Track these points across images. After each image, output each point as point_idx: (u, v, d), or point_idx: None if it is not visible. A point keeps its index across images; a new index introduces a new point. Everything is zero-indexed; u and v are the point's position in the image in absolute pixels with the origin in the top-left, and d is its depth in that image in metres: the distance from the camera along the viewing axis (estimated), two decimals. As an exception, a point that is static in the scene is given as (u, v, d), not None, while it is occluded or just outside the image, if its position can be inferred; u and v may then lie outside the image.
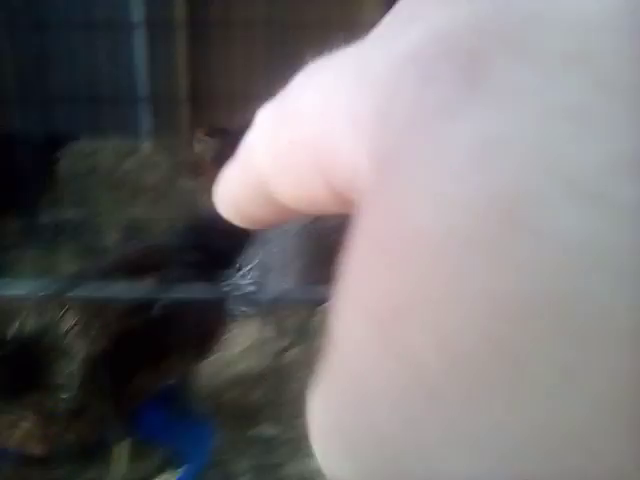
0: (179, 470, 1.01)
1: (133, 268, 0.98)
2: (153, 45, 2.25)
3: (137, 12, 2.23)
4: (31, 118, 2.08)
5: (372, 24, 0.14)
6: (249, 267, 0.98)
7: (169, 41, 2.32)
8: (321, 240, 1.14)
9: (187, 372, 1.04)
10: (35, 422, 0.85)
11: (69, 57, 2.14)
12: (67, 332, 0.85)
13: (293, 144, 0.15)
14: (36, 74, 2.26)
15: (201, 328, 1.01)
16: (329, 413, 0.13)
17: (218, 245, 1.04)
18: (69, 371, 0.84)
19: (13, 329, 0.83)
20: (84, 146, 2.36)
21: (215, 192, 0.18)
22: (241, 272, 0.98)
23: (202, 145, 2.15)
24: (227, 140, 1.99)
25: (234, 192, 0.17)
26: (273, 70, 1.98)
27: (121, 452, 1.02)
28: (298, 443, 1.11)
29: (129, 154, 2.35)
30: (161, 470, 1.08)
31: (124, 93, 2.14)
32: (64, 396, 0.83)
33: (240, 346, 1.31)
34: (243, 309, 1.06)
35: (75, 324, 0.85)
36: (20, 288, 0.60)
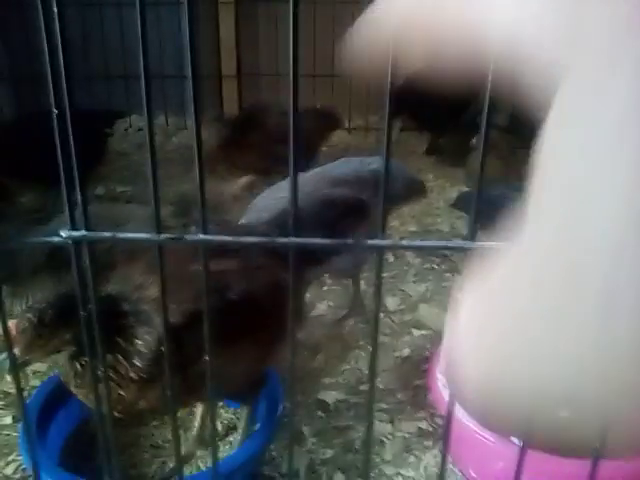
0: (250, 431, 1.04)
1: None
2: (200, 23, 2.26)
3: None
4: (80, 95, 2.11)
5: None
6: None
7: (216, 18, 2.34)
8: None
9: (263, 362, 1.01)
10: (112, 385, 0.87)
11: (118, 35, 2.17)
12: (147, 302, 0.86)
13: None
14: (85, 51, 2.29)
15: (273, 322, 0.94)
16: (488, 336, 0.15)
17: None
18: (145, 340, 0.85)
19: (101, 290, 0.85)
20: (133, 123, 2.40)
21: (351, 41, 0.23)
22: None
23: (209, 132, 2.13)
24: (234, 126, 1.99)
25: (372, 40, 0.22)
26: (317, 47, 2.00)
27: (199, 418, 1.05)
28: (362, 408, 1.14)
29: (177, 131, 2.38)
30: (231, 431, 1.11)
31: (171, 70, 2.16)
32: (138, 364, 0.85)
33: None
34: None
35: (156, 296, 0.86)
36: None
